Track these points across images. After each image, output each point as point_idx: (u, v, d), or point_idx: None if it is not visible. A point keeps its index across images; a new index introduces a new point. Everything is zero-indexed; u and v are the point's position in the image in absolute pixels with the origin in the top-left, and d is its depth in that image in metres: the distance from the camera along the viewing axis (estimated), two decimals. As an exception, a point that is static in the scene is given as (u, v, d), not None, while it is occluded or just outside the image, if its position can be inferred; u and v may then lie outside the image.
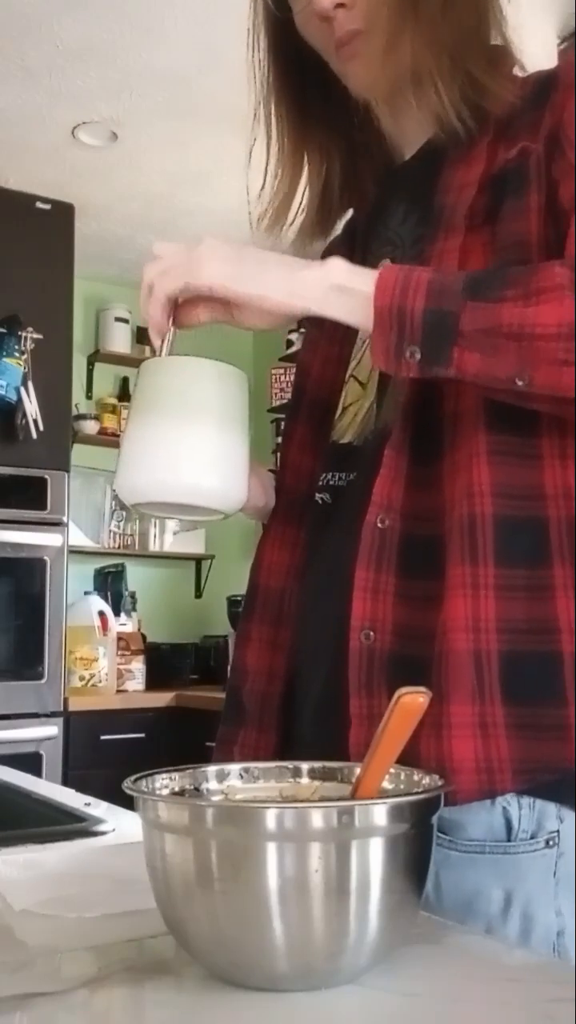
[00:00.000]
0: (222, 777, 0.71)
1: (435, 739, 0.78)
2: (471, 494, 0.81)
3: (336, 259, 0.82)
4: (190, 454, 0.84)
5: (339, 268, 0.81)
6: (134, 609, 4.20)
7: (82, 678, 3.72)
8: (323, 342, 1.05)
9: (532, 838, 0.80)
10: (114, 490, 0.91)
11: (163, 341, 0.87)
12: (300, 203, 1.03)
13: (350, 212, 1.08)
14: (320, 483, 0.99)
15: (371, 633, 0.84)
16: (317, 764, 0.73)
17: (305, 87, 1.01)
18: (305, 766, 0.73)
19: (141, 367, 0.89)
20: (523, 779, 0.79)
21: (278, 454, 4.64)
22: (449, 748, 0.78)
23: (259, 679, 0.99)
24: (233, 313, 0.86)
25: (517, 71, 0.93)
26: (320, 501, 0.99)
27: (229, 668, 1.02)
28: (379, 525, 0.85)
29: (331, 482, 0.98)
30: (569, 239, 0.81)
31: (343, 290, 0.80)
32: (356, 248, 1.04)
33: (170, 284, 0.83)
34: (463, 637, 0.79)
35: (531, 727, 0.79)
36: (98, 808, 1.11)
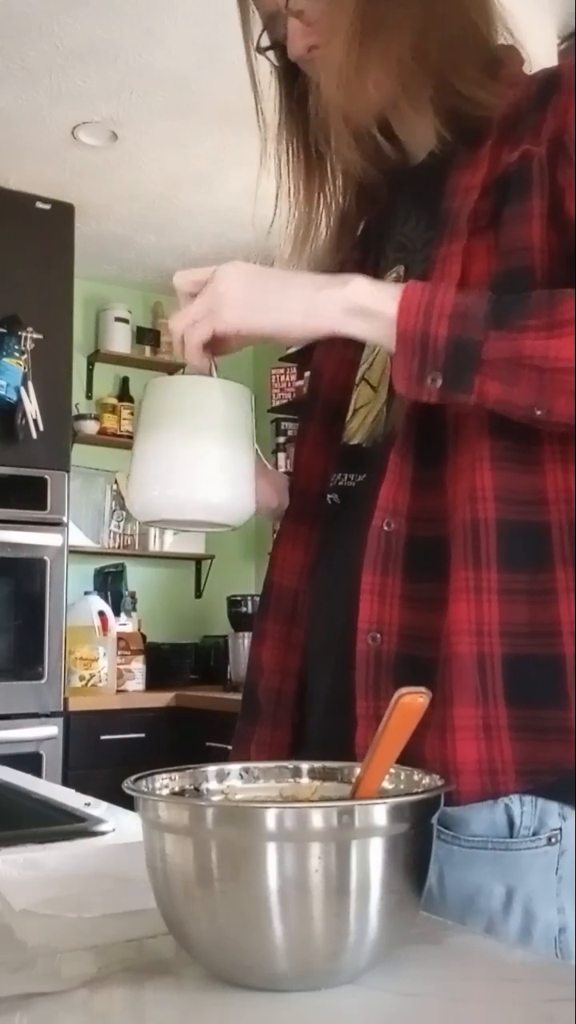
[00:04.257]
0: (222, 777, 0.71)
1: (439, 741, 0.79)
2: (474, 498, 0.82)
3: (357, 278, 0.82)
4: (202, 473, 0.87)
5: (359, 288, 0.81)
6: (134, 609, 4.19)
7: (82, 678, 3.71)
8: (339, 343, 1.05)
9: (534, 835, 0.80)
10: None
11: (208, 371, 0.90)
12: (319, 224, 1.04)
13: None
14: (331, 484, 1.00)
15: (378, 635, 0.85)
16: (317, 764, 0.73)
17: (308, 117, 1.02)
18: (305, 766, 0.73)
19: (147, 386, 0.91)
20: (526, 780, 0.79)
21: (279, 453, 4.63)
22: (453, 750, 0.78)
23: (273, 676, 1.01)
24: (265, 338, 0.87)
25: (525, 69, 0.93)
26: (330, 501, 0.99)
27: (246, 665, 1.04)
28: (385, 528, 0.86)
29: (340, 483, 0.98)
30: None
31: (363, 312, 0.81)
32: (370, 251, 1.04)
33: (200, 335, 0.85)
34: (467, 640, 0.80)
35: (534, 729, 0.79)
36: (98, 808, 1.11)
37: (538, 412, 0.77)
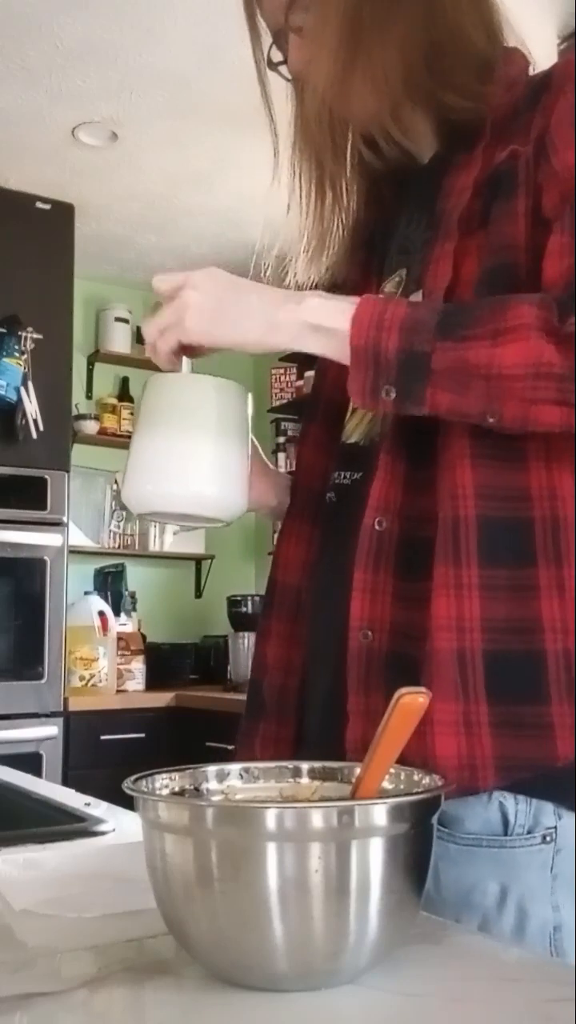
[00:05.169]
0: (222, 777, 0.72)
1: (419, 736, 0.79)
2: (455, 495, 0.83)
3: (312, 296, 0.84)
4: (195, 468, 0.89)
5: (314, 306, 0.83)
6: (134, 609, 4.19)
7: (82, 678, 3.71)
8: None
9: (529, 833, 0.81)
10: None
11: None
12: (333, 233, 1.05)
13: None
14: (330, 482, 1.00)
15: (369, 633, 0.86)
16: (317, 764, 0.73)
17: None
18: (305, 766, 0.73)
19: (147, 382, 0.94)
20: (505, 776, 0.80)
21: (279, 453, 4.62)
22: (432, 745, 0.79)
23: (278, 673, 1.01)
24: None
25: (530, 70, 0.94)
26: (328, 500, 1.00)
27: (251, 662, 1.05)
28: (376, 527, 0.87)
29: (338, 481, 0.99)
30: (546, 259, 0.82)
31: (318, 329, 0.82)
32: (375, 252, 1.05)
33: (167, 344, 0.89)
34: (447, 636, 0.81)
35: (514, 725, 0.80)
36: (98, 808, 1.11)
37: (490, 419, 0.78)
